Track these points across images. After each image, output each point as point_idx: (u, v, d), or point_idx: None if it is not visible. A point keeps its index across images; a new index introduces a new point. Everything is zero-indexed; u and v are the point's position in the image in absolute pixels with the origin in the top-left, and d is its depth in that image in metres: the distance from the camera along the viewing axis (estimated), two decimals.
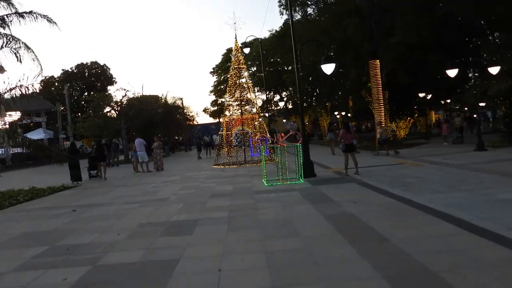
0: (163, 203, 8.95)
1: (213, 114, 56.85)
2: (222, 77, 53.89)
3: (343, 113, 37.19)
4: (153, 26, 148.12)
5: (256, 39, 24.34)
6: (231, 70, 18.40)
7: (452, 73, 15.22)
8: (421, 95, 27.07)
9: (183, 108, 47.19)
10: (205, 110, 58.15)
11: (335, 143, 22.40)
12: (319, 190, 9.18)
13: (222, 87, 54.41)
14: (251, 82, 18.51)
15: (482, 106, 19.75)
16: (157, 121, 36.45)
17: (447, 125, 20.48)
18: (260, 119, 18.22)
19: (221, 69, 53.22)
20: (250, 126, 19.92)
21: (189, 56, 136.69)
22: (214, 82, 56.11)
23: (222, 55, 53.85)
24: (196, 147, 26.42)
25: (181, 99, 46.94)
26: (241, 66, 18.27)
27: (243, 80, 18.23)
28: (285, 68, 38.34)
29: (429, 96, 27.27)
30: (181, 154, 36.48)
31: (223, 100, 55.86)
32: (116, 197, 10.44)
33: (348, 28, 21.48)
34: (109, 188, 12.66)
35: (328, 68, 11.81)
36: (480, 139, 15.03)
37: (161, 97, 43.19)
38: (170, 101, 45.30)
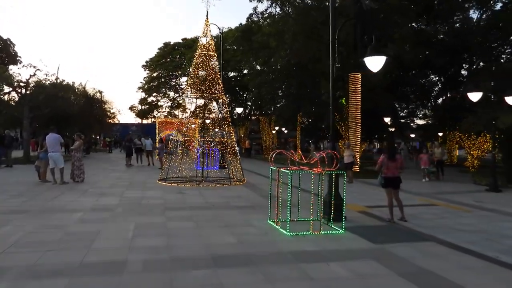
0: (118, 278, 4.13)
1: (140, 114, 50.03)
2: (156, 73, 47.89)
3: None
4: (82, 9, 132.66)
5: (219, 32, 19.92)
6: (196, 57, 13.74)
7: (475, 96, 12.67)
8: (387, 119, 25.21)
9: (102, 102, 40.18)
10: (131, 108, 51.01)
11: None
12: (397, 255, 5.41)
13: (154, 83, 48.31)
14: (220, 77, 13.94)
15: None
16: (74, 113, 29.50)
17: (427, 156, 17.37)
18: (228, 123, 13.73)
19: (156, 64, 47.14)
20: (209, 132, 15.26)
21: (120, 46, 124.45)
22: (145, 78, 49.56)
23: (159, 49, 47.80)
24: (126, 151, 20.64)
25: (100, 92, 39.99)
26: (211, 53, 13.72)
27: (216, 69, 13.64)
28: (241, 70, 33.70)
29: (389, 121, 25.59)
30: (99, 157, 29.79)
31: (153, 99, 49.68)
32: None
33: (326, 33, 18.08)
34: None
35: (375, 63, 8.06)
36: (495, 178, 12.64)
37: (78, 86, 35.87)
38: (90, 92, 38.15)
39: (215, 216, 7.73)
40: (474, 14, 20.29)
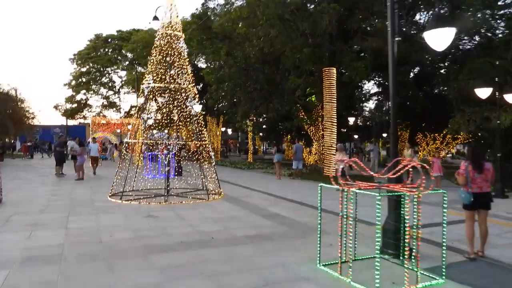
0: None
1: (67, 114, 43.82)
2: (86, 68, 42.32)
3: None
4: None
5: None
6: (158, 38, 10.66)
7: (483, 93, 11.38)
8: (351, 119, 23.98)
9: (18, 100, 34.41)
10: (56, 107, 44.44)
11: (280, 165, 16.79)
12: None
13: (84, 79, 42.70)
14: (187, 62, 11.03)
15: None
16: None
17: (440, 160, 13.60)
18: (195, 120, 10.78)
19: (85, 57, 41.56)
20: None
21: (44, 37, 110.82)
22: (72, 73, 43.55)
23: (89, 41, 42.27)
24: (56, 158, 16.43)
25: (15, 89, 34.21)
26: (178, 33, 10.75)
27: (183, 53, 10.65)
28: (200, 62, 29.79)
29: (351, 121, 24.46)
30: (18, 164, 24.58)
31: (82, 96, 44.03)
32: None
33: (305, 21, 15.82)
34: None
35: (440, 38, 5.96)
36: (504, 183, 11.52)
37: None
38: (3, 88, 32.35)
39: (232, 262, 5.03)
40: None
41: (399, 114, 24.54)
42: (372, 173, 4.82)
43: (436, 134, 21.47)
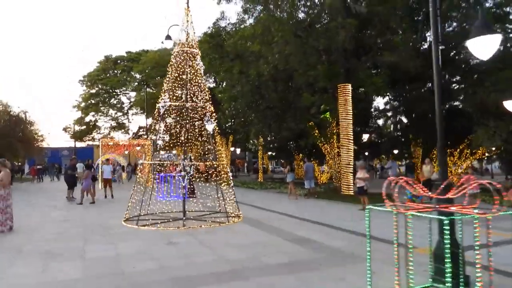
0: None
1: (76, 136, 43.79)
2: (95, 90, 42.49)
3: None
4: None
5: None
6: (174, 55, 10.35)
7: None
8: (365, 136, 23.48)
9: (27, 123, 34.42)
10: (66, 130, 44.47)
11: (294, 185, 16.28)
12: None
13: (93, 101, 42.84)
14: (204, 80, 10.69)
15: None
16: None
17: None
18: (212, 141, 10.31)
19: (95, 79, 41.80)
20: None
21: (53, 57, 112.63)
22: (81, 95, 43.73)
23: (99, 62, 42.60)
24: (67, 181, 15.96)
25: (25, 112, 34.29)
26: (195, 50, 10.47)
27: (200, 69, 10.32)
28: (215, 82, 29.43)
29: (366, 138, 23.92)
30: (27, 188, 24.26)
31: (91, 118, 44.08)
32: None
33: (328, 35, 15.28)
34: None
35: (484, 46, 5.52)
36: None
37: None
38: (13, 111, 32.39)
39: None
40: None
41: (413, 129, 24.11)
42: (430, 193, 4.30)
43: (452, 150, 20.82)
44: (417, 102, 18.30)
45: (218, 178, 10.64)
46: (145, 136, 39.31)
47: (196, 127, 10.66)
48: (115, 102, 44.54)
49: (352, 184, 16.54)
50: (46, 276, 5.29)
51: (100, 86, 42.19)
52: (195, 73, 10.44)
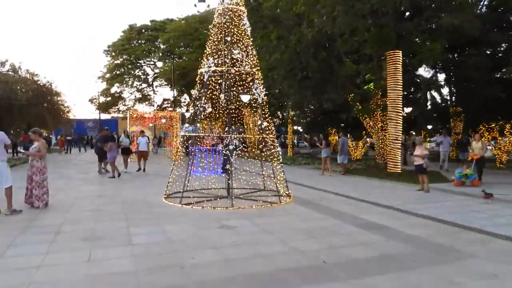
0: None
1: (102, 107, 43.53)
2: (120, 60, 41.68)
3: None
4: None
5: None
6: (217, 15, 9.15)
7: None
8: (407, 109, 21.79)
9: (54, 93, 33.93)
10: (91, 101, 44.19)
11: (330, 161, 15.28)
12: None
13: (118, 72, 42.18)
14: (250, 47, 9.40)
15: None
16: (21, 105, 23.68)
17: None
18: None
19: (120, 49, 40.87)
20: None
21: (75, 29, 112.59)
22: (106, 65, 43.06)
23: (123, 32, 41.49)
24: (97, 153, 15.26)
25: (51, 82, 33.73)
26: (241, 8, 9.23)
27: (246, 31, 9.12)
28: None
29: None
30: (55, 159, 24.06)
31: (116, 89, 43.57)
32: None
33: None
34: None
35: None
36: None
37: (27, 74, 29.62)
38: (40, 80, 31.85)
39: None
40: None
41: (464, 102, 22.24)
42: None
43: (493, 124, 18.75)
44: (473, 71, 16.53)
45: (268, 154, 9.58)
46: (170, 109, 38.56)
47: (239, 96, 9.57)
48: (140, 73, 43.76)
49: (398, 162, 15.28)
50: (93, 267, 4.43)
51: (125, 57, 41.32)
52: (242, 34, 9.23)
